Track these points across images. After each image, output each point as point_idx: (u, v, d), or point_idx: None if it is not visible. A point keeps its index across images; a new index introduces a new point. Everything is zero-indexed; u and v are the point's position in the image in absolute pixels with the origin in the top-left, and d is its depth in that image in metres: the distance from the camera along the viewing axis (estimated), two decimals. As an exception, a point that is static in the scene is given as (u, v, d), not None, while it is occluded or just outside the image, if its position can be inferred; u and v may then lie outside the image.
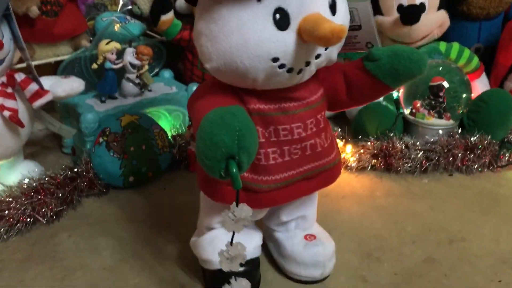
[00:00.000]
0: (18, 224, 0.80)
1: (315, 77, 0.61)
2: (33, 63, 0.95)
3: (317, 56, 0.56)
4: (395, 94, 1.06)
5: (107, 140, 0.89)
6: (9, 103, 0.80)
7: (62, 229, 0.82)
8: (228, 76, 0.56)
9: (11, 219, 0.80)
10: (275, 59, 0.53)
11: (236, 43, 0.52)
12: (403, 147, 0.97)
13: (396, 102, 1.04)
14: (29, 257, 0.75)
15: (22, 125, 0.80)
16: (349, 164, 0.98)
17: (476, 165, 0.97)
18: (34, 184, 0.85)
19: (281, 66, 0.54)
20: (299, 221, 0.72)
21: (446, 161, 0.97)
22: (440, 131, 1.01)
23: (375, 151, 0.98)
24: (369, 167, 0.98)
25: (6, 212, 0.80)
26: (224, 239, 0.65)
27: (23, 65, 0.86)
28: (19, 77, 0.81)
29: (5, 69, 0.80)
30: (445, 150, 0.97)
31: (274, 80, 0.56)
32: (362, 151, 0.98)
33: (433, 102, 1.03)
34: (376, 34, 0.67)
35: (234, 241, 0.53)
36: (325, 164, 0.65)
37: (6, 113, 0.78)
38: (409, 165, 0.96)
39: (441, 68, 1.04)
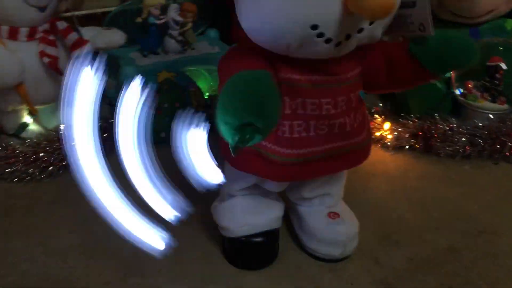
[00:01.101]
0: (51, 167, 0.84)
1: (354, 53, 0.57)
2: (81, 12, 0.98)
3: (360, 30, 0.52)
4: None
5: (142, 94, 0.91)
6: (50, 50, 0.82)
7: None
8: (263, 38, 0.53)
9: (45, 161, 0.85)
10: (314, 26, 0.50)
11: (276, 3, 0.49)
12: (447, 129, 0.91)
13: (447, 80, 0.97)
14: (57, 200, 0.79)
15: (59, 72, 0.83)
16: (386, 142, 0.94)
17: (527, 156, 0.90)
18: (71, 130, 0.89)
19: (320, 35, 0.50)
20: (325, 198, 0.71)
21: (493, 148, 0.90)
22: (491, 116, 0.94)
23: (416, 131, 0.93)
24: (408, 147, 0.94)
25: (41, 154, 0.85)
26: (244, 207, 0.67)
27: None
28: (61, 25, 0.84)
29: (48, 16, 0.82)
30: (493, 137, 0.90)
31: (309, 49, 0.53)
32: (401, 129, 0.93)
33: (488, 84, 0.95)
34: (430, 14, 0.61)
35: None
36: (352, 144, 0.62)
37: (46, 59, 0.81)
38: (450, 149, 0.91)
39: (502, 48, 0.96)
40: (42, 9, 0.80)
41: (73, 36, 0.84)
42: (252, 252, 0.68)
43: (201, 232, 0.73)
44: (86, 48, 0.84)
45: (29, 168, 0.84)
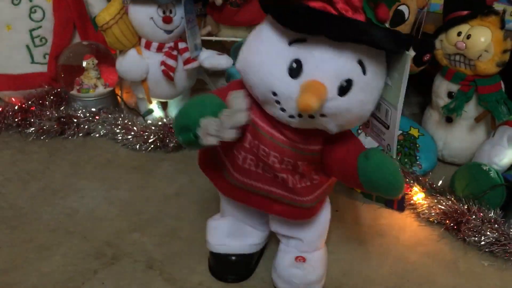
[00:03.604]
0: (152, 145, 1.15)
1: (322, 134, 0.65)
2: (217, 38, 1.24)
3: (311, 116, 0.60)
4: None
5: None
6: (169, 61, 1.11)
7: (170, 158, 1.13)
8: (244, 81, 0.65)
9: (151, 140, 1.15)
10: (274, 93, 0.60)
11: (256, 62, 0.61)
12: (477, 220, 0.89)
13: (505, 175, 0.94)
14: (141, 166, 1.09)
15: (170, 79, 1.11)
16: (419, 211, 0.97)
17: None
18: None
19: (277, 102, 0.61)
20: (297, 242, 0.79)
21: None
22: None
23: (449, 210, 0.93)
24: (437, 223, 0.95)
25: (147, 133, 1.15)
26: (226, 229, 0.81)
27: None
28: (181, 45, 1.11)
29: (173, 38, 1.10)
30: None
31: (270, 109, 0.63)
32: (433, 204, 0.94)
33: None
34: (395, 143, 0.69)
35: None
36: (293, 200, 0.70)
37: (162, 68, 1.10)
38: (475, 239, 0.89)
39: None
40: (168, 32, 1.08)
41: (186, 54, 1.10)
42: (227, 267, 0.81)
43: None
44: (193, 65, 1.11)
45: (140, 141, 1.16)
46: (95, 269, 0.81)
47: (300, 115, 0.61)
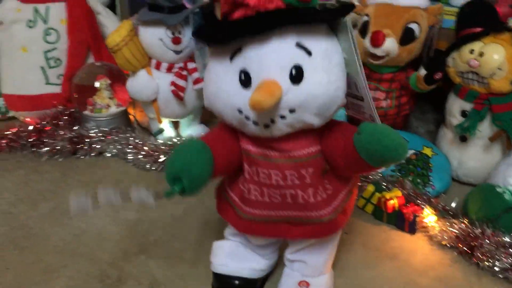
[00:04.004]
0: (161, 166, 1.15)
1: (311, 133, 0.65)
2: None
3: (282, 117, 0.60)
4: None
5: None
6: (179, 81, 1.12)
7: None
8: (216, 115, 0.66)
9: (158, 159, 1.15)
10: (240, 111, 0.61)
11: (212, 90, 0.64)
12: (492, 244, 0.86)
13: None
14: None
15: (180, 98, 1.12)
16: (431, 233, 0.94)
17: None
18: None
19: (247, 117, 0.61)
20: (301, 265, 0.78)
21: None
22: None
23: (462, 234, 0.90)
24: (450, 246, 0.92)
25: (157, 153, 1.16)
26: (229, 251, 0.80)
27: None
28: (191, 65, 1.12)
29: (183, 58, 1.11)
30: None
31: (246, 128, 0.64)
32: (446, 227, 0.91)
33: None
34: (373, 108, 0.66)
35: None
36: (309, 217, 0.68)
37: (171, 88, 1.11)
38: (489, 264, 0.86)
39: None
40: (177, 52, 1.09)
41: (195, 75, 1.11)
42: None
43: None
44: (201, 85, 1.11)
45: (148, 161, 1.16)
46: (99, 291, 0.82)
47: (272, 121, 0.61)
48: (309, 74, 0.59)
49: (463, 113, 1.05)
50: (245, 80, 0.60)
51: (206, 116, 1.34)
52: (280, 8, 0.58)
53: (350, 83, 0.65)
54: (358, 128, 0.62)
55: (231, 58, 0.61)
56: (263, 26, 0.58)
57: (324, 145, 0.66)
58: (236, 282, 0.79)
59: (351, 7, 0.63)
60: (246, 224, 0.72)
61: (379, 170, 1.01)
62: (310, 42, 0.60)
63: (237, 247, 0.81)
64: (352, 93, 0.68)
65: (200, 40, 0.65)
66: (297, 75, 0.59)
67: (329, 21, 0.63)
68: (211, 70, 0.65)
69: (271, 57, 0.59)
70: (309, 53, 0.59)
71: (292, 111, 0.60)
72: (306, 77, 0.59)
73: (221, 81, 0.62)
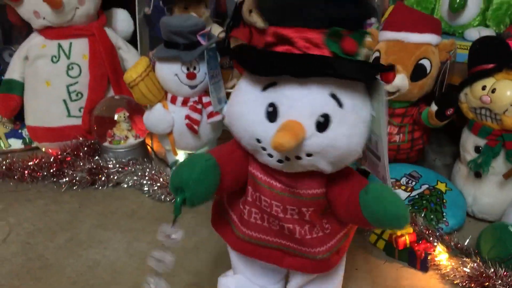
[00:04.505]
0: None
1: (320, 175, 0.65)
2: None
3: (298, 157, 0.61)
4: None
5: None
6: (194, 115, 1.14)
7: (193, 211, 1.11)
8: (233, 134, 0.67)
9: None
10: (258, 140, 0.62)
11: (236, 112, 0.64)
12: (504, 285, 0.84)
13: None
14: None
15: (194, 132, 1.14)
16: (443, 272, 0.92)
17: None
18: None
19: (263, 148, 0.62)
20: None
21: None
22: None
23: (474, 273, 0.88)
24: (462, 286, 0.90)
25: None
26: (230, 284, 0.81)
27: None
28: (205, 99, 1.14)
29: (197, 92, 1.14)
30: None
31: (260, 157, 0.65)
32: (458, 266, 0.90)
33: None
34: (387, 171, 0.67)
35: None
36: (304, 252, 0.70)
37: (186, 121, 1.13)
38: (503, 306, 0.84)
39: None
40: (192, 87, 1.12)
41: (210, 108, 1.13)
42: None
43: None
44: (216, 118, 1.14)
45: (163, 192, 1.18)
46: (109, 326, 0.83)
47: (287, 158, 0.61)
48: (336, 124, 0.60)
49: (477, 149, 1.04)
50: (273, 113, 0.61)
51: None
52: (327, 56, 0.59)
53: (372, 139, 0.66)
54: (366, 187, 0.63)
55: (264, 89, 0.62)
56: (306, 70, 0.58)
57: (329, 189, 0.67)
58: None
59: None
60: (242, 244, 0.73)
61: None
62: (344, 95, 0.60)
63: (243, 283, 0.81)
64: (371, 149, 0.68)
65: (240, 67, 0.65)
66: (324, 124, 0.59)
67: (368, 80, 0.63)
68: (241, 91, 0.65)
69: (304, 100, 0.60)
70: (340, 104, 0.60)
71: (309, 155, 0.61)
72: (332, 127, 0.60)
73: (247, 107, 0.63)
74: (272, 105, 0.61)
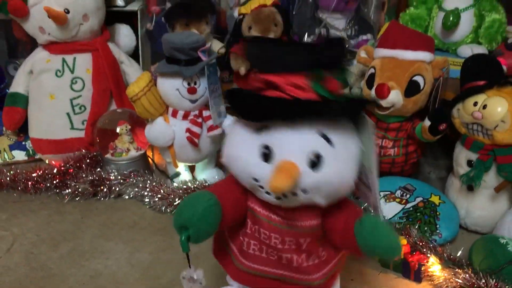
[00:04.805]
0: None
1: (316, 208, 0.68)
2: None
3: (294, 194, 0.64)
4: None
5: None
6: (194, 128, 1.17)
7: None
8: (231, 172, 0.71)
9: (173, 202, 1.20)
10: (255, 179, 0.66)
11: (233, 154, 0.68)
12: (495, 296, 0.87)
13: (528, 246, 0.91)
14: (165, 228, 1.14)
15: (195, 145, 1.17)
16: (436, 283, 0.95)
17: None
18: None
19: (261, 187, 0.66)
20: None
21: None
22: None
23: (465, 284, 0.91)
24: (456, 296, 0.93)
25: (172, 196, 1.20)
26: None
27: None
28: (206, 113, 1.18)
29: (198, 106, 1.17)
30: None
31: (258, 194, 0.69)
32: (451, 277, 0.92)
33: None
34: (378, 201, 0.71)
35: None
36: (301, 280, 0.73)
37: (186, 135, 1.16)
38: (494, 318, 0.86)
39: None
40: (193, 101, 1.15)
41: (210, 122, 1.17)
42: None
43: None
44: (216, 132, 1.17)
45: (163, 203, 1.21)
46: (110, 334, 0.86)
47: (285, 195, 0.64)
48: (328, 163, 0.63)
49: (469, 163, 1.07)
50: (267, 154, 0.64)
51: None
52: (312, 99, 0.64)
53: (363, 171, 0.69)
54: (361, 218, 0.67)
55: (258, 131, 0.65)
56: (295, 114, 0.62)
57: (325, 219, 0.71)
58: None
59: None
60: (241, 275, 0.77)
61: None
62: (333, 134, 0.64)
63: None
64: (362, 180, 0.72)
65: (237, 113, 0.69)
66: (316, 162, 0.63)
67: (354, 118, 0.67)
68: (236, 134, 0.69)
69: (295, 141, 0.63)
70: (330, 143, 0.64)
71: (304, 191, 0.64)
72: (324, 165, 0.63)
73: (243, 149, 0.67)
74: (266, 147, 0.64)
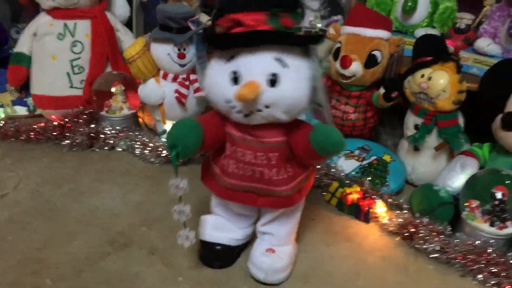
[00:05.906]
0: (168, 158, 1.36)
1: (280, 126, 0.86)
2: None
3: (259, 110, 0.81)
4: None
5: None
6: (182, 90, 1.34)
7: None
8: (211, 103, 0.87)
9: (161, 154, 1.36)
10: (227, 101, 0.82)
11: (210, 83, 0.86)
12: (427, 231, 1.06)
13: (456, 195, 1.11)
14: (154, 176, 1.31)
15: (182, 104, 1.34)
16: (381, 222, 1.14)
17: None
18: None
19: (233, 107, 0.82)
20: (269, 236, 0.99)
21: (465, 263, 1.02)
22: (492, 241, 1.03)
23: (404, 222, 1.10)
24: (395, 233, 1.12)
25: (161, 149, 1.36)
26: (213, 222, 1.01)
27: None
28: (193, 76, 1.34)
29: (186, 70, 1.33)
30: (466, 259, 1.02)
31: (232, 116, 0.85)
32: (393, 217, 1.12)
33: (491, 208, 1.05)
34: (329, 114, 0.89)
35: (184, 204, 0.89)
36: (271, 190, 0.90)
37: (175, 95, 1.32)
38: (424, 247, 1.05)
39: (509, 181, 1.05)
40: (182, 65, 1.31)
41: (196, 85, 1.33)
42: (213, 255, 1.00)
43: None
44: (202, 93, 1.33)
45: (153, 155, 1.37)
46: (109, 252, 1.03)
47: (252, 112, 0.82)
48: (283, 81, 0.81)
49: (416, 127, 1.27)
50: (235, 78, 0.82)
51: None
52: (268, 30, 0.80)
53: (315, 93, 0.86)
54: (313, 127, 0.85)
55: (227, 60, 0.83)
56: (254, 42, 0.80)
57: (289, 137, 0.88)
58: (218, 247, 0.99)
59: (319, 38, 0.86)
60: (224, 191, 0.94)
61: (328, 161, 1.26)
62: (287, 58, 0.82)
63: (219, 221, 1.01)
64: (316, 101, 0.89)
65: (209, 45, 0.92)
66: (273, 81, 0.81)
67: (302, 45, 0.85)
68: (212, 68, 0.86)
69: (257, 65, 0.81)
70: (285, 65, 0.81)
71: (267, 107, 0.82)
72: (280, 83, 0.81)
73: (217, 77, 0.84)
74: (234, 72, 0.82)
